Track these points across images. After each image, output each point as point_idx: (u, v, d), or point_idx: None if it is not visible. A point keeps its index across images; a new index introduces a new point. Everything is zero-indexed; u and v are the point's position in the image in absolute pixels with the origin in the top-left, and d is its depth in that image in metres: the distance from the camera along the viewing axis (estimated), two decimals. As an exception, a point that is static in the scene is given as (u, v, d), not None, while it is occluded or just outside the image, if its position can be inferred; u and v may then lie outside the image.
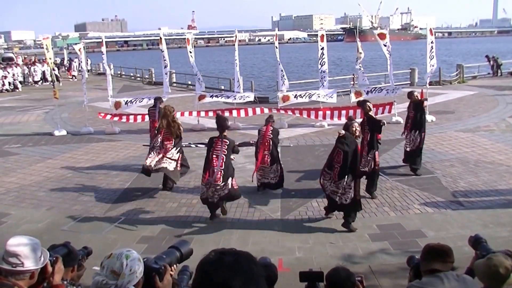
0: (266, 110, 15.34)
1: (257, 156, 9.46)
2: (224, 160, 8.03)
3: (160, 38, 17.48)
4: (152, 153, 9.53)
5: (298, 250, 7.06)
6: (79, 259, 3.30)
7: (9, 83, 30.42)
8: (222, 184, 8.00)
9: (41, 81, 33.72)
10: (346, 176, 7.57)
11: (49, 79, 30.37)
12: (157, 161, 9.38)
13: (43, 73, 33.99)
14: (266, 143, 9.40)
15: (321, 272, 3.36)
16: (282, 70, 16.08)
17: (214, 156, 8.09)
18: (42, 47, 16.77)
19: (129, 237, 7.69)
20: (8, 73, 30.67)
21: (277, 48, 16.21)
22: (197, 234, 7.73)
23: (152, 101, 15.29)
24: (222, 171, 8.00)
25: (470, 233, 7.11)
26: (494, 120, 15.75)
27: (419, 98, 10.88)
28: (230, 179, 8.13)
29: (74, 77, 36.59)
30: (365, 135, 9.02)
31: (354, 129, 7.75)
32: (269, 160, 9.39)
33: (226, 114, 15.03)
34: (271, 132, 9.49)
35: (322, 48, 15.93)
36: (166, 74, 17.09)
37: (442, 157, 11.63)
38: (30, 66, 34.59)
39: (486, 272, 3.18)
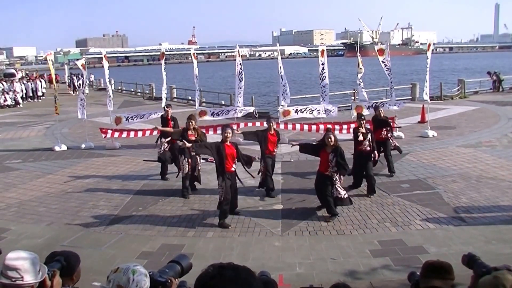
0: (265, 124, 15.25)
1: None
2: None
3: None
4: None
5: (298, 266, 7.00)
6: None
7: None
8: None
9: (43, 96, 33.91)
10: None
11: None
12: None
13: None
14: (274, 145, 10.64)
15: (322, 288, 3.33)
16: (284, 85, 16.09)
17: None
18: (44, 63, 16.74)
19: (129, 253, 7.63)
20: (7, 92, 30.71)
21: (280, 62, 16.25)
22: (197, 249, 7.67)
23: (154, 116, 15.40)
24: None
25: (472, 249, 7.11)
26: (496, 135, 15.74)
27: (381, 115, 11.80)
28: None
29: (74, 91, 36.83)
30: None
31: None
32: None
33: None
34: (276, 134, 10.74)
35: (323, 63, 16.00)
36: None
37: (444, 172, 11.58)
38: (32, 81, 34.76)
39: None
